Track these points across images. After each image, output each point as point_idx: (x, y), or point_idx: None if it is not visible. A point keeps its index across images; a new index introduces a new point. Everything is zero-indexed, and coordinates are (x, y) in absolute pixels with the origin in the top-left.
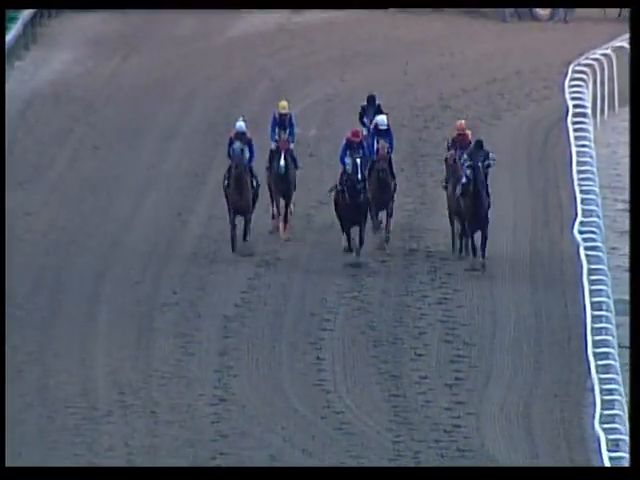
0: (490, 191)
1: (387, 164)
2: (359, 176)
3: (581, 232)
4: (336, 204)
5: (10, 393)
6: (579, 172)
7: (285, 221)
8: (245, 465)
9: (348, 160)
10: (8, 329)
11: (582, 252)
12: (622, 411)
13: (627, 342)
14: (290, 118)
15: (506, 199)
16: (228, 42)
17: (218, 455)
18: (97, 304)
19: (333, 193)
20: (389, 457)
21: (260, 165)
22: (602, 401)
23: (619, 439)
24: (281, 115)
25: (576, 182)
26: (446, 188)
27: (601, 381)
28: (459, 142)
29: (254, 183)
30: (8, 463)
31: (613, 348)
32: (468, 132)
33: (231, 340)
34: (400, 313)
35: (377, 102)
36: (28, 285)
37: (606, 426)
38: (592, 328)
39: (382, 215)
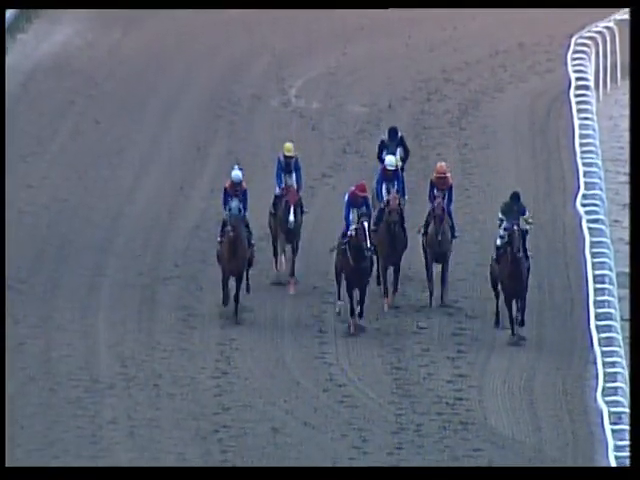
0: (530, 254)
1: (399, 215)
2: (366, 241)
3: (583, 205)
4: (337, 266)
5: (12, 366)
6: (581, 145)
7: (292, 274)
8: (248, 437)
9: (352, 218)
10: (10, 302)
11: (584, 225)
12: (624, 384)
13: (629, 315)
14: (296, 162)
15: (508, 172)
16: (229, 15)
17: (220, 428)
18: (99, 277)
19: (335, 253)
20: (391, 430)
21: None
22: (604, 374)
23: (621, 412)
24: (286, 158)
25: (578, 155)
26: (425, 234)
27: (603, 354)
28: (439, 185)
29: (249, 242)
30: (9, 436)
31: (615, 321)
32: (449, 175)
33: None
34: (402, 286)
35: (399, 134)
36: (30, 258)
37: (608, 399)
38: (594, 301)
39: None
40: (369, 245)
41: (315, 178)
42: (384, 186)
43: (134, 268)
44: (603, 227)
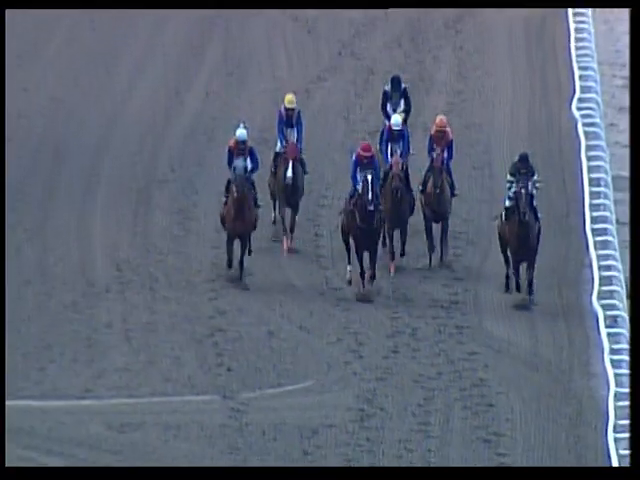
0: (540, 215)
1: (402, 181)
2: (371, 196)
3: (579, 108)
4: (344, 227)
5: (9, 271)
6: (577, 48)
7: (291, 230)
8: (243, 341)
9: (359, 178)
10: (6, 207)
11: (580, 128)
12: (620, 287)
13: (625, 218)
14: (298, 115)
15: (504, 76)
16: None
17: (216, 331)
18: (95, 180)
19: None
20: (387, 333)
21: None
22: (600, 277)
23: (617, 315)
24: (287, 110)
25: (574, 58)
26: (424, 191)
27: (599, 257)
28: (439, 140)
29: (256, 203)
30: (7, 338)
31: (611, 224)
32: (448, 129)
33: None
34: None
35: (403, 85)
36: (26, 161)
37: (604, 302)
38: (590, 204)
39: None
40: (372, 199)
41: (311, 81)
42: (389, 146)
43: (130, 171)
44: (599, 130)
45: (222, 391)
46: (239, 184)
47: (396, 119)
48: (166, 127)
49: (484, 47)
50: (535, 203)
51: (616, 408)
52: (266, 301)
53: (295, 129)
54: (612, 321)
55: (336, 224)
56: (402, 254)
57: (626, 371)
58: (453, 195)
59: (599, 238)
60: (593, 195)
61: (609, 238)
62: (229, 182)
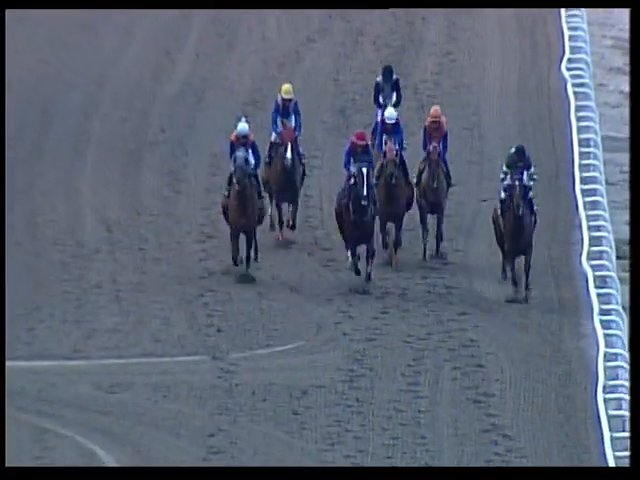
0: (536, 207)
1: (397, 168)
2: (366, 189)
3: (569, 69)
4: (339, 218)
5: None
6: (567, 9)
7: (292, 227)
8: (233, 302)
9: (353, 168)
10: None
11: (570, 89)
12: (609, 247)
13: (614, 178)
14: (295, 105)
15: (494, 38)
16: None
17: (206, 292)
18: (84, 141)
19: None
20: (376, 294)
21: None
22: (590, 238)
23: (606, 275)
24: (284, 101)
25: (564, 19)
26: (419, 183)
27: (589, 218)
28: (433, 131)
29: (259, 195)
30: None
31: (600, 184)
32: (443, 119)
33: (218, 178)
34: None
35: (395, 76)
36: (15, 122)
37: (594, 262)
38: (579, 164)
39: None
40: (366, 193)
41: (301, 43)
42: (383, 138)
43: (119, 132)
44: (588, 91)
45: (212, 352)
46: (240, 176)
47: (390, 112)
48: (156, 88)
49: (473, 8)
50: (531, 195)
51: (606, 369)
52: (253, 265)
53: (292, 118)
54: (602, 282)
55: (327, 187)
56: (396, 247)
57: (617, 332)
58: (450, 185)
59: (588, 199)
60: (582, 156)
61: (599, 199)
62: (231, 175)
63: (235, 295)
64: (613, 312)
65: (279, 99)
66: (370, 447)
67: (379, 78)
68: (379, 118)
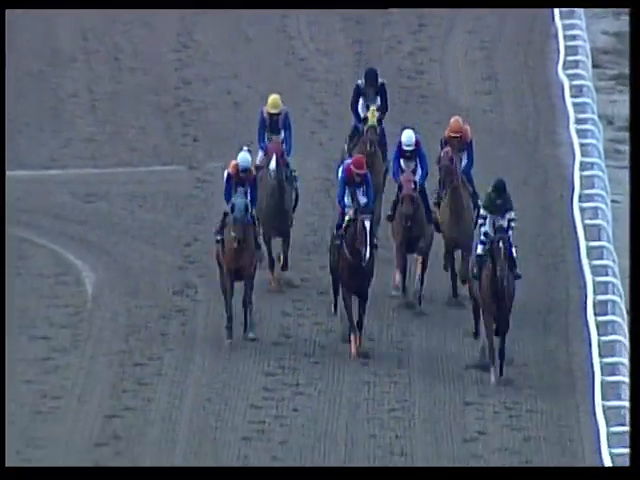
0: (518, 263)
1: (415, 206)
2: (365, 245)
3: None
4: (332, 262)
5: None
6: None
7: (283, 267)
8: (209, 111)
9: (348, 203)
10: None
11: None
12: (585, 57)
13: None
14: (285, 118)
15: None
16: None
17: (181, 102)
18: None
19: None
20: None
21: None
22: (565, 47)
23: (583, 85)
24: (272, 116)
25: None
26: (438, 204)
27: (564, 27)
28: (454, 145)
29: (257, 245)
30: None
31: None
32: (467, 127)
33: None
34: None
35: (380, 80)
36: None
37: (569, 72)
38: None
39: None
40: (367, 255)
41: None
42: (400, 165)
43: None
44: None
45: (188, 161)
46: (239, 229)
47: (408, 136)
48: None
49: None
50: (513, 250)
51: (582, 177)
52: (232, 71)
53: (282, 135)
54: (578, 91)
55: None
56: (419, 298)
57: (592, 141)
58: (476, 206)
59: (565, 9)
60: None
61: (575, 9)
62: (225, 216)
63: (211, 105)
64: (589, 121)
65: (265, 114)
66: None
67: (360, 81)
68: (357, 124)
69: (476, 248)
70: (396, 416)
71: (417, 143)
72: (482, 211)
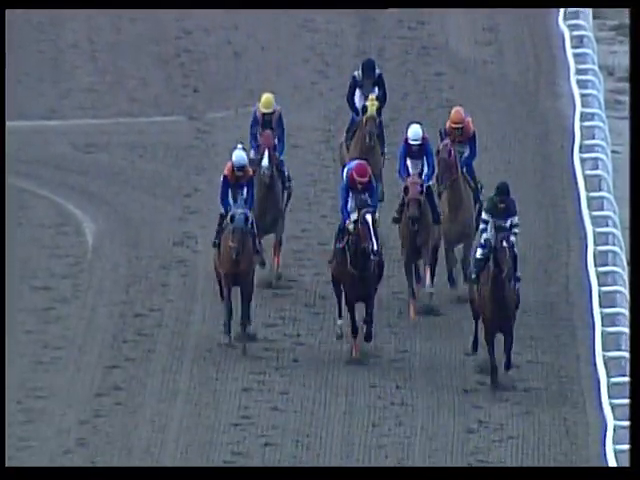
0: (519, 273)
1: (422, 209)
2: (371, 241)
3: None
4: (334, 274)
5: None
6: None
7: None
8: (209, 61)
9: (351, 211)
10: None
11: None
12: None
13: None
14: (279, 118)
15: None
16: None
17: (182, 52)
18: None
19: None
20: (353, 53)
21: None
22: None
23: (584, 35)
24: (265, 115)
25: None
26: (438, 197)
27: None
28: (455, 137)
29: (257, 251)
30: None
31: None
32: (468, 120)
33: None
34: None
35: (377, 70)
36: None
37: (570, 22)
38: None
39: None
40: (375, 247)
41: None
42: (407, 164)
43: None
44: None
45: (188, 112)
46: (237, 239)
47: (415, 131)
48: None
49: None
50: (516, 251)
51: (582, 128)
52: (231, 21)
53: (276, 132)
54: (578, 42)
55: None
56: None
57: (593, 92)
58: (478, 201)
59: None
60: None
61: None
62: (221, 218)
63: (211, 55)
64: (590, 72)
65: (258, 113)
66: None
67: (357, 72)
68: (357, 117)
69: (475, 251)
70: (397, 366)
71: (424, 138)
72: (484, 215)
